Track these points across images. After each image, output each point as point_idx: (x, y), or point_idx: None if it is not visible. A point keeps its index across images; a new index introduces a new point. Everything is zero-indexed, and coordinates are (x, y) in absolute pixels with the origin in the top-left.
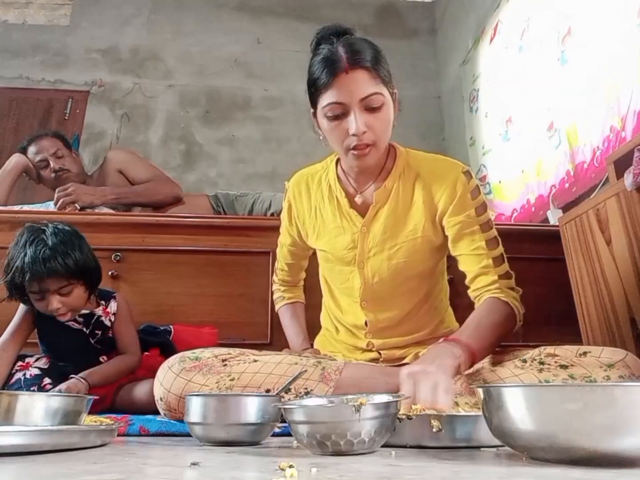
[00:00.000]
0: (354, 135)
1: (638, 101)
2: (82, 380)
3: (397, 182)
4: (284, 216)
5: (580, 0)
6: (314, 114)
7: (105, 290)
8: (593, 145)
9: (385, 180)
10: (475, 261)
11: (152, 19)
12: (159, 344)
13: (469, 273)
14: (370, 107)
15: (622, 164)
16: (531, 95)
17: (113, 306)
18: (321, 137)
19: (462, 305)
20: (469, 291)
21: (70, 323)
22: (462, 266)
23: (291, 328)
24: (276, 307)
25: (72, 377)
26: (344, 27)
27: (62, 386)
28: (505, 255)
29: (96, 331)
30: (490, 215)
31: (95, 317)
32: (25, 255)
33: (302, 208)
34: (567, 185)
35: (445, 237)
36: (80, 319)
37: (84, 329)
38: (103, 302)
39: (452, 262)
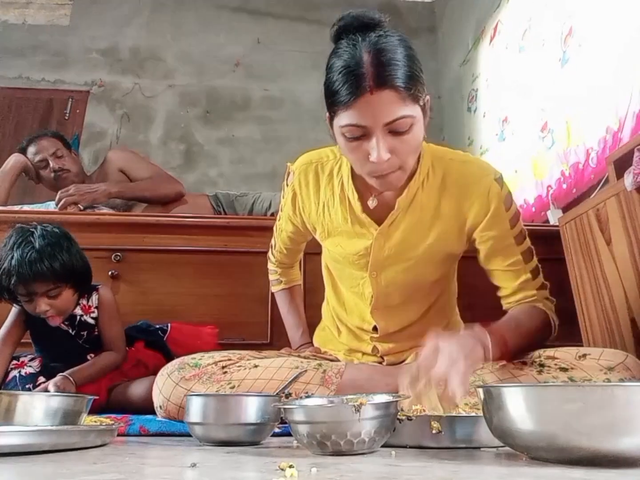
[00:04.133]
0: (374, 162)
1: (637, 102)
2: (70, 378)
3: (421, 187)
4: (286, 202)
5: (582, 1)
6: (329, 118)
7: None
8: (587, 146)
9: (407, 186)
10: (513, 277)
11: (152, 19)
12: (146, 338)
13: (506, 289)
14: (396, 131)
15: (622, 164)
16: (527, 95)
17: (94, 299)
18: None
19: (462, 305)
20: (503, 302)
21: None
22: (497, 281)
23: (290, 318)
24: (272, 289)
25: (58, 375)
26: (370, 17)
27: (51, 386)
28: (539, 266)
29: (82, 332)
30: (522, 224)
31: (77, 318)
32: (12, 258)
33: (308, 200)
34: (564, 185)
35: (468, 246)
36: (66, 321)
37: (70, 331)
38: (83, 301)
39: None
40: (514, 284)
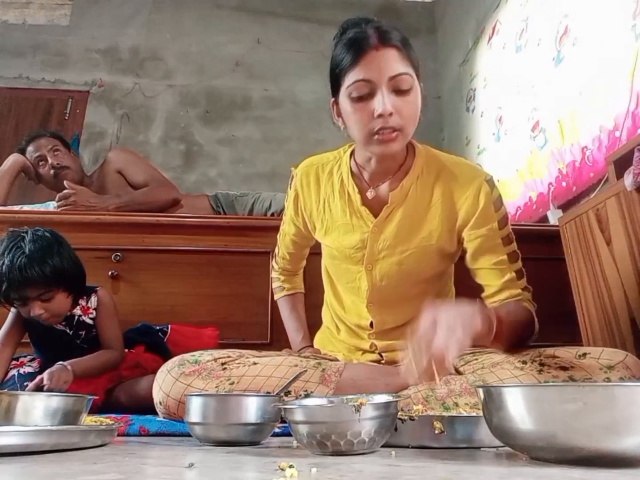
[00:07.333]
0: (379, 116)
1: (634, 101)
2: (68, 367)
3: (415, 183)
4: (289, 205)
5: (577, 1)
6: (334, 102)
7: (87, 286)
8: (581, 145)
9: (402, 180)
10: (498, 276)
11: (152, 19)
12: (147, 341)
13: (491, 287)
14: (398, 89)
15: (622, 164)
16: (522, 94)
17: (93, 301)
18: (342, 127)
19: None
20: (488, 302)
21: (55, 325)
22: (481, 280)
23: (291, 322)
24: (275, 297)
25: (57, 364)
26: (371, 17)
27: (45, 375)
28: (524, 271)
29: (80, 332)
30: (510, 228)
31: (76, 318)
32: (3, 263)
33: (309, 200)
34: (564, 183)
35: (459, 246)
36: (63, 322)
37: (68, 331)
38: (82, 302)
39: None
40: (499, 282)
